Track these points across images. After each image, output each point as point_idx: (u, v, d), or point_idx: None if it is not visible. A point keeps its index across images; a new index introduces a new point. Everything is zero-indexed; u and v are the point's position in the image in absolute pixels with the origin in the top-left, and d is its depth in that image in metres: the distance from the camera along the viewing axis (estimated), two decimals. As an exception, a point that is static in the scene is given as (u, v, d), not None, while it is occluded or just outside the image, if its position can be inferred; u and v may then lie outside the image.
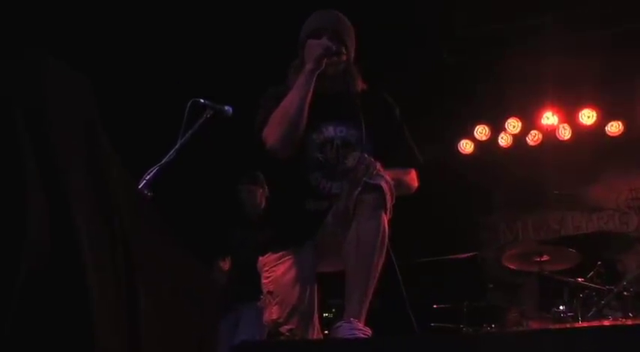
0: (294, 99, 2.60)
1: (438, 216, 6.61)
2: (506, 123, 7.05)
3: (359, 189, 2.41)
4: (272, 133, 2.62)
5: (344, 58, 2.75)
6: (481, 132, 7.17)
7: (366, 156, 2.50)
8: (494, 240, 7.02)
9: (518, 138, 7.03)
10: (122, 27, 5.21)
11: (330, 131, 2.73)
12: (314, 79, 2.62)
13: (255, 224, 4.68)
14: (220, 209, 5.37)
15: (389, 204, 2.45)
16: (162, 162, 2.77)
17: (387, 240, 2.44)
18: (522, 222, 7.09)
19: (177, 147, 2.85)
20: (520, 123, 7.01)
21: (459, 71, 6.43)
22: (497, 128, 7.10)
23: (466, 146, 7.21)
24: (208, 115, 2.98)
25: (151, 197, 2.66)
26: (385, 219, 2.45)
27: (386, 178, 2.45)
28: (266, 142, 2.63)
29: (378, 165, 2.48)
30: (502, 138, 7.09)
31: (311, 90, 2.60)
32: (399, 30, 5.77)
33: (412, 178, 2.82)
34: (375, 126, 2.74)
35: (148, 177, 2.71)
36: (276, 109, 2.64)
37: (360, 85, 2.80)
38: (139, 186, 2.65)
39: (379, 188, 2.42)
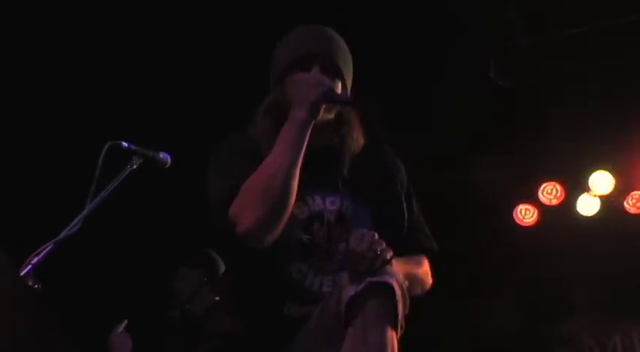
0: (280, 163, 2.15)
1: (486, 322, 5.19)
2: (591, 180, 5.37)
3: (359, 287, 1.97)
4: (248, 214, 2.14)
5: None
6: (549, 192, 5.53)
7: (374, 234, 2.04)
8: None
9: (611, 203, 5.39)
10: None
11: (317, 203, 2.34)
12: (308, 133, 2.18)
13: (188, 330, 4.04)
14: (147, 306, 4.62)
15: (401, 315, 2.02)
16: (61, 236, 2.35)
17: None
18: (623, 336, 5.40)
19: (84, 212, 2.41)
20: (613, 180, 5.34)
21: (515, 98, 5.06)
22: (574, 186, 5.46)
23: (526, 214, 5.59)
24: (135, 166, 2.58)
25: (39, 289, 2.27)
26: (395, 336, 2.01)
27: (397, 276, 2.03)
28: (237, 225, 2.16)
29: (390, 253, 2.04)
30: (584, 201, 5.43)
31: (303, 150, 2.16)
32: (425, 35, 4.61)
33: (426, 271, 2.45)
34: (376, 196, 2.38)
35: (36, 259, 2.30)
36: (249, 174, 2.19)
37: (358, 137, 2.37)
38: (21, 275, 2.25)
39: (389, 288, 1.98)
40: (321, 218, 2.31)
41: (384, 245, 2.02)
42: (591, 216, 5.39)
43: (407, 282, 2.07)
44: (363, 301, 1.97)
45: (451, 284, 5.47)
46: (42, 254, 2.31)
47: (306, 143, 2.17)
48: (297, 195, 2.21)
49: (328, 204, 2.34)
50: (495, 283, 5.22)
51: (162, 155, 2.64)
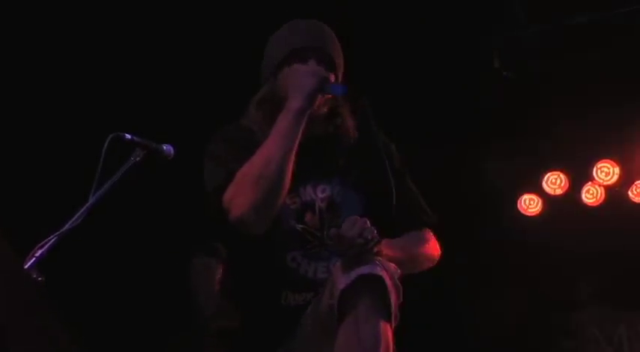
0: (275, 150, 2.19)
1: (489, 312, 5.08)
2: (596, 169, 5.25)
3: (349, 280, 1.99)
4: (242, 200, 2.18)
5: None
6: (553, 182, 5.41)
7: (366, 221, 2.08)
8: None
9: (616, 192, 5.25)
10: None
11: (309, 192, 2.36)
12: (304, 122, 2.22)
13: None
14: (154, 298, 4.57)
15: (394, 306, 2.03)
16: (64, 228, 2.35)
17: None
18: (628, 326, 5.24)
19: (87, 204, 2.39)
20: (617, 169, 5.21)
21: (519, 89, 4.96)
22: (579, 176, 5.32)
23: (530, 204, 5.45)
24: (138, 158, 2.54)
25: (42, 282, 2.27)
26: (389, 328, 2.03)
27: (388, 267, 2.04)
28: (231, 211, 2.20)
29: (382, 243, 2.10)
30: (588, 191, 5.31)
31: (298, 138, 2.21)
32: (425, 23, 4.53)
33: (430, 246, 2.43)
34: (366, 180, 2.40)
35: (40, 252, 2.29)
36: (244, 161, 2.23)
37: (352, 128, 2.40)
38: (25, 267, 2.23)
39: (379, 281, 1.99)
40: (313, 207, 2.34)
41: (375, 233, 2.05)
42: (596, 206, 5.28)
43: (399, 271, 2.07)
44: (353, 295, 1.98)
45: (455, 275, 5.43)
46: (45, 246, 2.32)
47: (301, 132, 2.21)
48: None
49: (319, 193, 2.36)
50: (499, 273, 5.14)
51: (165, 147, 2.62)
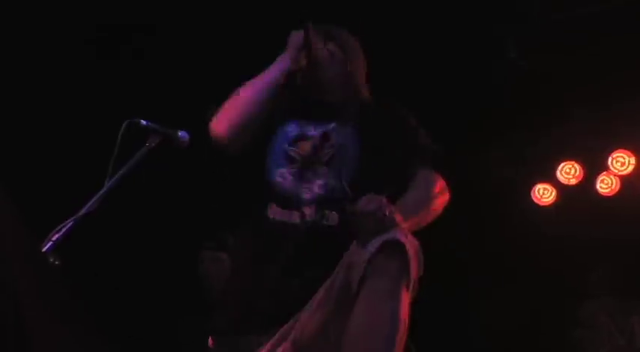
0: (257, 78, 2.48)
1: (503, 302, 5.04)
2: (610, 159, 5.22)
3: (370, 251, 1.98)
4: (221, 119, 2.45)
5: (338, 59, 2.56)
6: (568, 172, 5.38)
7: (383, 198, 2.10)
8: (595, 343, 5.05)
9: (631, 182, 5.22)
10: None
11: (310, 129, 2.49)
12: (284, 70, 2.47)
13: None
14: (169, 287, 4.56)
15: (413, 275, 2.02)
16: (80, 213, 2.37)
17: (405, 332, 2.03)
18: None
19: (103, 190, 2.43)
20: (633, 159, 5.17)
21: (532, 80, 4.90)
22: (594, 166, 5.32)
23: (544, 193, 5.45)
24: (153, 144, 2.59)
25: (59, 266, 2.32)
26: (407, 298, 2.02)
27: (409, 236, 2.05)
28: (214, 129, 2.45)
29: (394, 210, 2.10)
30: (603, 181, 5.29)
31: (281, 74, 2.47)
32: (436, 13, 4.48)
33: (435, 191, 2.41)
34: (365, 123, 2.49)
35: (57, 236, 2.32)
36: None
37: (365, 94, 2.59)
38: (43, 251, 2.27)
39: (401, 247, 1.99)
40: (308, 136, 2.47)
41: (393, 208, 2.09)
42: (611, 196, 5.29)
43: (417, 243, 2.07)
44: (375, 260, 1.98)
45: (469, 264, 5.42)
46: (62, 231, 2.33)
47: (280, 75, 2.46)
48: (293, 121, 2.50)
49: (318, 129, 2.49)
50: (513, 263, 5.12)
51: (180, 133, 2.64)
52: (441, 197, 2.42)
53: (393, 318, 2.01)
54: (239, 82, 2.56)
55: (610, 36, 4.65)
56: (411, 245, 2.04)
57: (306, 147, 2.48)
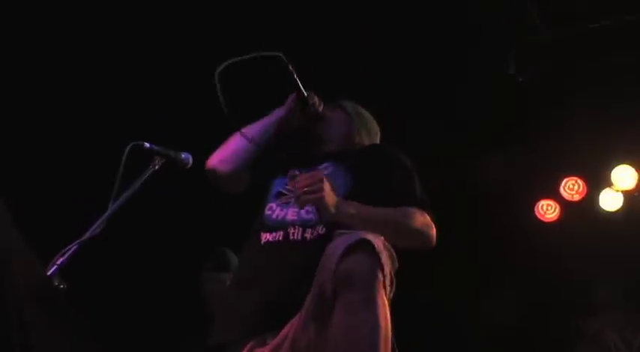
0: (254, 123, 2.72)
1: (507, 317, 4.94)
2: (613, 175, 5.21)
3: (338, 254, 1.94)
4: (215, 155, 2.71)
5: (339, 118, 2.77)
6: (571, 188, 5.36)
7: (321, 173, 2.34)
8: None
9: (634, 198, 5.23)
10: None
11: (304, 172, 2.49)
12: (277, 123, 2.72)
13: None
14: (172, 308, 4.57)
15: (387, 271, 1.98)
16: (85, 236, 2.38)
17: (389, 336, 1.94)
18: None
19: (108, 213, 2.43)
20: (636, 174, 5.19)
21: (537, 94, 4.90)
22: (597, 181, 5.31)
23: (548, 210, 5.42)
24: (157, 166, 2.62)
25: (64, 289, 2.29)
26: (383, 297, 1.95)
27: (372, 235, 2.03)
28: (206, 165, 2.69)
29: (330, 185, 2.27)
30: (606, 196, 5.27)
31: (276, 120, 2.72)
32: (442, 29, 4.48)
33: (416, 219, 2.40)
34: (359, 166, 2.58)
35: (62, 259, 2.32)
36: None
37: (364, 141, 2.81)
38: (47, 275, 2.25)
39: (368, 244, 1.95)
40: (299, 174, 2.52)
41: (329, 184, 2.26)
42: (614, 212, 5.27)
43: (383, 238, 2.06)
44: (348, 266, 1.93)
45: (472, 279, 5.38)
46: (67, 254, 2.33)
47: (272, 127, 2.70)
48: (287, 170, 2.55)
49: (311, 171, 2.53)
50: (517, 279, 5.05)
51: (184, 155, 2.67)
52: (423, 226, 2.40)
53: (372, 329, 1.94)
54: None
55: (612, 51, 4.64)
56: (378, 240, 2.01)
57: (295, 183, 2.52)
